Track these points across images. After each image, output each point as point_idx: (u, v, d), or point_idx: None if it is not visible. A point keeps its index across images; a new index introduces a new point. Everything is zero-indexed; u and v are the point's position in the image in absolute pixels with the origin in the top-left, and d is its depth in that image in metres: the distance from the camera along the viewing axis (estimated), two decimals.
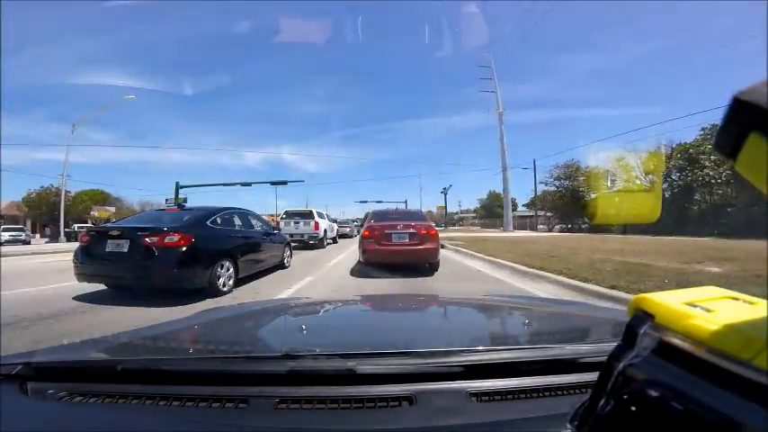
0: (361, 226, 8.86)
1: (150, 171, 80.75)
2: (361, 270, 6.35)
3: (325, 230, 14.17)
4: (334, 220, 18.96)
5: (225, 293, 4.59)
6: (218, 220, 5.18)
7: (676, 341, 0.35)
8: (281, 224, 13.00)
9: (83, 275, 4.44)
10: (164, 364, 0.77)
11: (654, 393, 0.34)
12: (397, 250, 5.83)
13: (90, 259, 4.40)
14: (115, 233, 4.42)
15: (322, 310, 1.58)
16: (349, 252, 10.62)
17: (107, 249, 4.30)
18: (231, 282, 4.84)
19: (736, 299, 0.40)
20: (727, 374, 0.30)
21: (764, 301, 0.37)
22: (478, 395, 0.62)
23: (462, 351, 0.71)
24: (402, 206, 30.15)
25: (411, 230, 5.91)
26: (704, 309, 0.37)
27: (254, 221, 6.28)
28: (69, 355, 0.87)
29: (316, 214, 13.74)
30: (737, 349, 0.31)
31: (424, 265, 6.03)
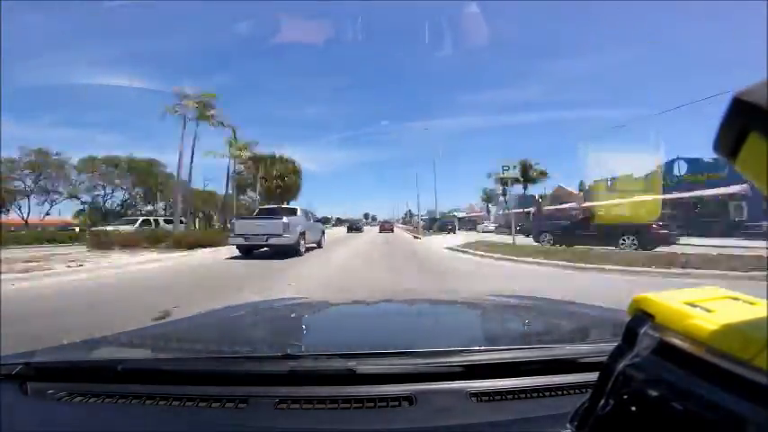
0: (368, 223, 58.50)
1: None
2: (378, 234, 26.11)
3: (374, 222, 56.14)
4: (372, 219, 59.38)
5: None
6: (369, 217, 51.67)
7: (676, 341, 0.35)
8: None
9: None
10: (164, 364, 0.77)
11: (654, 393, 0.34)
12: (385, 228, 32.47)
13: None
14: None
15: (322, 311, 1.58)
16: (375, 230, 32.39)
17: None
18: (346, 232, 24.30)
19: (737, 299, 0.40)
20: (727, 374, 0.30)
21: (764, 301, 0.37)
22: (478, 395, 0.62)
23: (462, 351, 0.70)
24: (403, 203, 62.38)
25: (387, 224, 35.31)
26: (704, 309, 0.37)
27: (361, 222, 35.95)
28: (69, 355, 0.87)
29: (371, 217, 68.80)
30: (737, 349, 0.31)
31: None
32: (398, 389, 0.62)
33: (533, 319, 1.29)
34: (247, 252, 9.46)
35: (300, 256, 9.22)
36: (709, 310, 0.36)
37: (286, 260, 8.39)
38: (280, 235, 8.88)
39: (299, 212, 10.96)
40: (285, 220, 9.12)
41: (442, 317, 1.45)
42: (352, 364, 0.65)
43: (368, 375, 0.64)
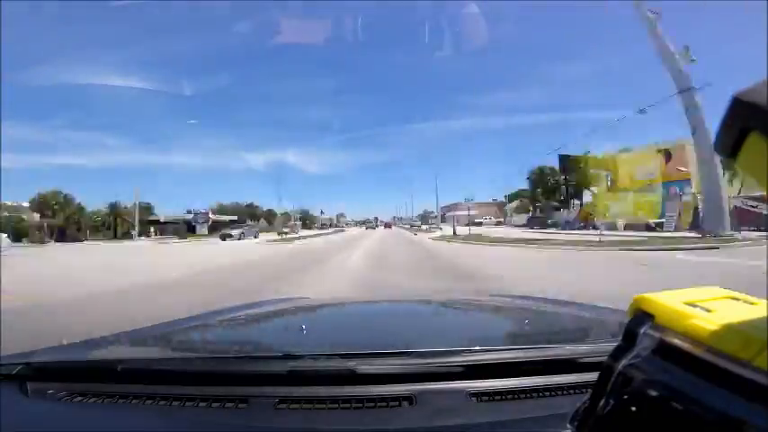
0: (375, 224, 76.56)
1: (155, 174, 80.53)
2: (384, 231, 43.59)
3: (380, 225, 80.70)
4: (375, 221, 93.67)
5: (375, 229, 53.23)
6: (377, 219, 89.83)
7: (676, 341, 0.35)
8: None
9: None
10: (164, 364, 0.77)
11: (654, 393, 0.34)
12: (387, 226, 64.37)
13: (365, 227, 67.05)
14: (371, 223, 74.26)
15: (322, 311, 1.58)
16: (380, 230, 47.53)
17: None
18: (377, 229, 55.07)
19: (737, 299, 0.40)
20: (727, 374, 0.30)
21: (764, 301, 0.37)
22: (478, 395, 0.62)
23: (462, 351, 0.70)
24: (404, 202, 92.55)
25: (388, 224, 70.22)
26: (704, 309, 0.36)
27: (376, 222, 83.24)
28: (69, 355, 0.87)
29: (379, 219, 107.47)
30: (737, 349, 0.31)
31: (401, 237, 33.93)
32: (398, 389, 0.62)
33: (533, 319, 1.29)
34: (367, 229, 55.64)
35: (375, 229, 52.76)
36: (709, 310, 0.36)
37: (372, 230, 46.59)
38: (373, 226, 66.40)
39: (373, 221, 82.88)
40: (375, 223, 74.86)
41: (442, 317, 1.45)
42: (352, 364, 0.65)
43: (368, 375, 0.64)
